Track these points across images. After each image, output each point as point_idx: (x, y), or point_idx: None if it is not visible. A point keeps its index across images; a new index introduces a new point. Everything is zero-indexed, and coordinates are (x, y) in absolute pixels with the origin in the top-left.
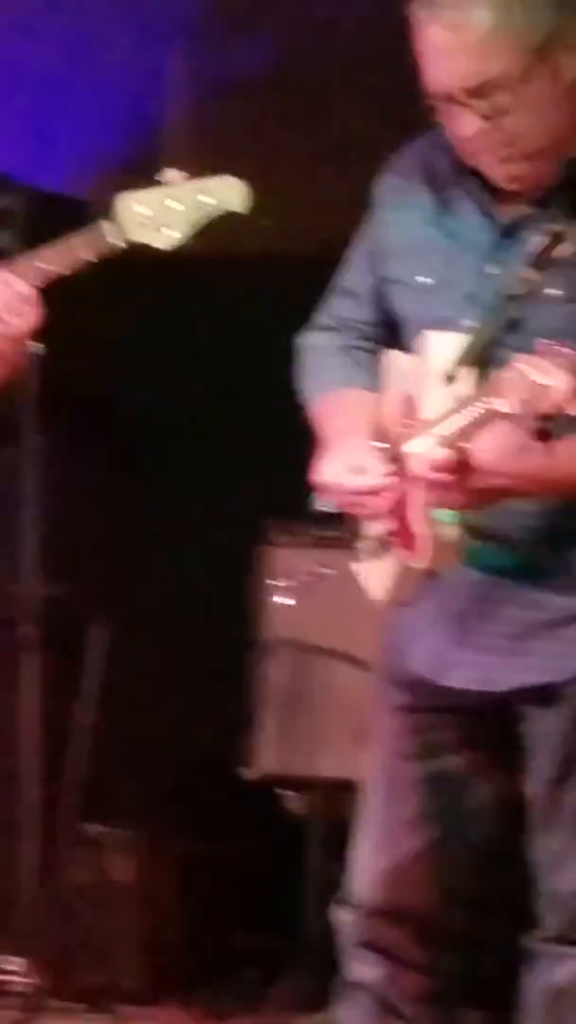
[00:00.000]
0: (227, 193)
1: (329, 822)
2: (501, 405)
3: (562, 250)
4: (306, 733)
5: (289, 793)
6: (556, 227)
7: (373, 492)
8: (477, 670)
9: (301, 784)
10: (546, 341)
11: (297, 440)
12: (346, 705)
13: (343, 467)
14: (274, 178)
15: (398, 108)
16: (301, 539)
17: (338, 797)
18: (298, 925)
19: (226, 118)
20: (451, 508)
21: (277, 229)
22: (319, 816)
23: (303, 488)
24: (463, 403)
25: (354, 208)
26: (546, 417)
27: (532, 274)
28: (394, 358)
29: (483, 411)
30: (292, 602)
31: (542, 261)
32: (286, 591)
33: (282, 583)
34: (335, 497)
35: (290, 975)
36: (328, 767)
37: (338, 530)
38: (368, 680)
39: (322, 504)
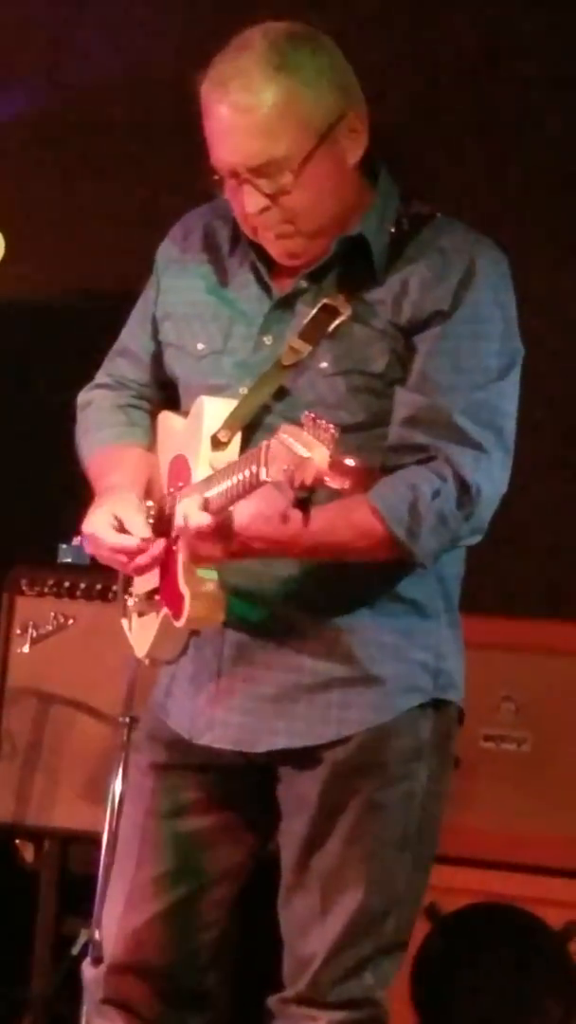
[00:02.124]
0: None
1: (62, 874)
2: (263, 473)
3: (332, 323)
4: (42, 783)
5: (23, 843)
6: (328, 301)
7: (130, 552)
8: (235, 731)
9: (35, 834)
10: (311, 413)
11: (44, 488)
12: (84, 756)
13: (107, 522)
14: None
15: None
16: (45, 587)
17: (72, 849)
18: (28, 977)
19: None
20: (209, 565)
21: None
22: (51, 867)
23: (48, 537)
24: (230, 468)
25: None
26: (306, 488)
27: (302, 345)
28: (169, 419)
29: (246, 477)
30: (27, 650)
31: (313, 333)
32: (27, 639)
33: (24, 631)
34: (95, 550)
35: None
36: (63, 818)
37: (83, 580)
38: (106, 731)
39: (68, 555)
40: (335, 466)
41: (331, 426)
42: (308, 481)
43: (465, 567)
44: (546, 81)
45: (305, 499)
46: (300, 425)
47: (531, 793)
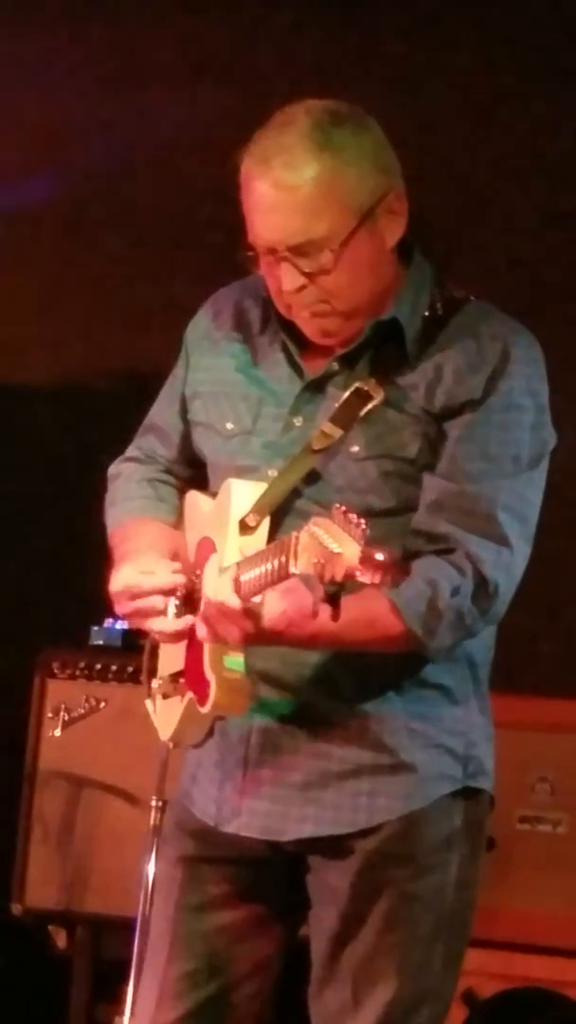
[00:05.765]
0: None
1: (94, 960)
2: (292, 566)
3: (364, 408)
4: (74, 867)
5: (55, 929)
6: (360, 385)
7: (163, 591)
8: (262, 819)
9: (67, 920)
10: (340, 506)
11: (74, 569)
12: (116, 840)
13: (135, 572)
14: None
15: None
16: (76, 670)
17: (105, 934)
18: None
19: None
20: (227, 648)
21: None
22: (84, 954)
23: (79, 619)
24: (259, 556)
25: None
26: (335, 582)
27: (333, 429)
28: (197, 499)
29: (275, 567)
30: (58, 733)
31: (345, 418)
32: (59, 722)
33: (56, 714)
34: (123, 607)
35: None
36: (95, 903)
37: (115, 662)
38: (139, 815)
39: (99, 637)
40: (366, 561)
41: (362, 521)
42: (338, 577)
43: (499, 647)
44: None
45: (335, 593)
46: (330, 517)
47: (568, 875)
